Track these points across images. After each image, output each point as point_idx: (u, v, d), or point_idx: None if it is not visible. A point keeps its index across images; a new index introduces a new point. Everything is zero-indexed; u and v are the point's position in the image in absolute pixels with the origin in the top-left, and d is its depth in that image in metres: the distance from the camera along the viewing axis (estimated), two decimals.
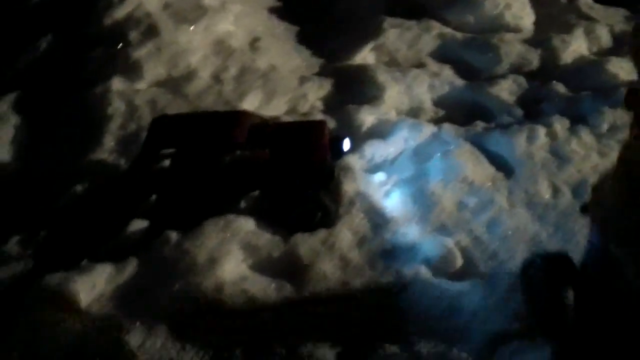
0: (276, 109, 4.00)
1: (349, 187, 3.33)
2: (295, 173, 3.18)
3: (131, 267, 2.96)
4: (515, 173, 3.55)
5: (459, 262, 3.04)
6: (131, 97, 3.82)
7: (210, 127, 3.24)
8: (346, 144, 3.35)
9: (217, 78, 4.01)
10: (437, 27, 4.84)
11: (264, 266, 2.98)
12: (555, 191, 3.45)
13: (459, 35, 4.80)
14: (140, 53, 3.99)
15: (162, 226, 3.11)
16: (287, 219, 3.14)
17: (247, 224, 3.07)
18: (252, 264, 2.99)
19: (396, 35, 4.70)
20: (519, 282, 2.74)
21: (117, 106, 3.79)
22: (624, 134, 3.82)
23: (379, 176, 3.46)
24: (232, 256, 2.97)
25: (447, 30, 4.84)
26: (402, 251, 3.06)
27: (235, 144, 3.21)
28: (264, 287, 2.87)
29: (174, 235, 3.02)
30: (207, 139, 3.24)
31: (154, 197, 3.32)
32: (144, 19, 4.12)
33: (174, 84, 3.94)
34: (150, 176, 3.25)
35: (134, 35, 4.06)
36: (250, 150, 3.24)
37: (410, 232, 3.16)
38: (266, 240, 3.03)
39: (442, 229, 3.20)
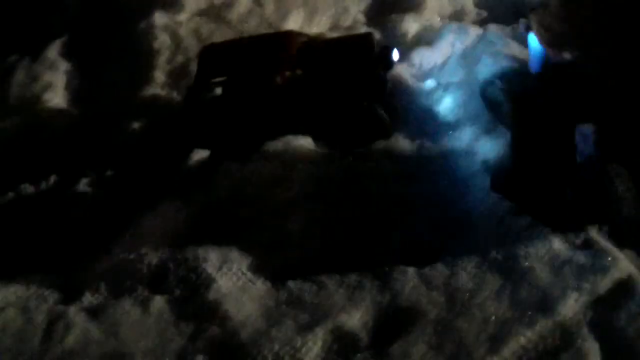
0: (319, 25, 3.99)
1: (401, 97, 3.36)
2: (346, 90, 3.20)
3: (197, 200, 3.08)
4: None
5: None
6: (175, 29, 3.87)
7: (259, 51, 3.27)
8: (395, 54, 3.34)
9: (257, 1, 4.00)
10: None
11: (325, 187, 3.04)
12: None
13: None
14: None
15: (221, 156, 3.21)
16: (343, 136, 3.19)
17: (306, 144, 3.15)
18: (313, 185, 3.05)
19: None
20: None
21: (163, 39, 3.84)
22: None
23: (430, 83, 3.47)
24: (294, 181, 3.05)
25: None
26: (460, 155, 3.12)
27: (284, 65, 3.24)
28: (327, 209, 2.95)
29: (234, 166, 3.12)
30: (256, 63, 3.28)
31: (210, 127, 3.37)
32: None
33: (215, 11, 3.96)
34: (205, 106, 3.31)
35: None
36: (299, 71, 3.26)
37: (466, 136, 3.19)
38: (326, 158, 3.11)
39: (496, 130, 3.22)
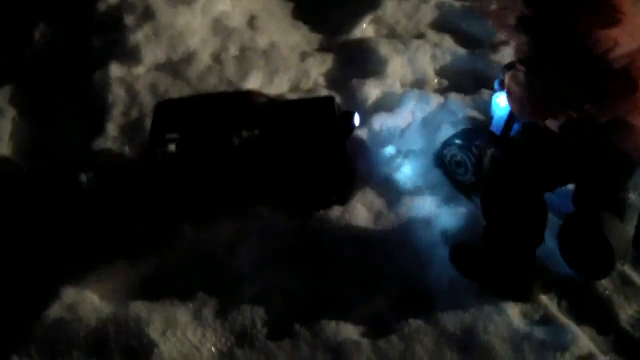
0: (279, 87, 3.94)
1: (360, 163, 3.31)
2: (306, 153, 3.13)
3: (147, 262, 2.93)
4: None
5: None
6: (131, 83, 3.76)
7: (216, 109, 3.19)
8: (356, 119, 3.30)
9: (217, 59, 3.94)
10: None
11: (283, 253, 2.94)
12: None
13: (457, 4, 4.72)
14: (137, 37, 3.90)
15: (176, 218, 3.08)
16: (301, 201, 3.11)
17: (262, 211, 3.05)
18: (270, 252, 2.95)
19: (394, 6, 4.62)
20: None
21: (118, 93, 3.72)
22: None
23: (389, 150, 3.42)
24: (250, 246, 2.94)
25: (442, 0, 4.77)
26: (419, 225, 3.05)
27: (242, 125, 3.16)
28: (283, 275, 2.84)
29: (187, 229, 2.99)
30: (213, 121, 3.19)
31: (163, 186, 3.24)
32: (139, 3, 4.03)
33: (173, 67, 3.87)
34: (158, 164, 3.19)
35: (129, 19, 3.98)
36: (258, 131, 3.18)
37: (425, 205, 3.13)
38: (283, 225, 3.01)
39: (457, 199, 3.18)
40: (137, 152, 3.50)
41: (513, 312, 2.61)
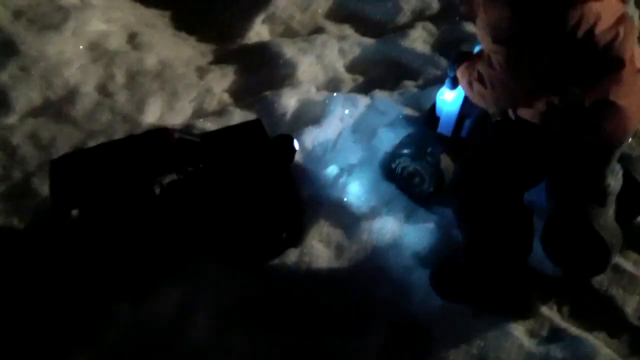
0: (182, 112, 3.42)
1: (302, 191, 2.91)
2: (245, 187, 2.69)
3: (80, 354, 2.38)
4: None
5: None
6: (5, 137, 3.07)
7: (126, 158, 2.63)
8: (296, 142, 2.90)
9: (104, 90, 3.34)
10: None
11: (244, 314, 2.50)
12: None
13: None
14: (1, 79, 3.19)
15: (107, 298, 2.53)
16: (250, 250, 2.67)
17: (208, 268, 2.57)
18: (227, 316, 2.49)
19: (286, 0, 4.21)
20: None
21: None
22: None
23: (331, 170, 3.04)
24: (201, 314, 2.47)
25: None
26: (385, 251, 2.73)
27: (163, 170, 2.65)
28: (251, 339, 2.42)
29: (124, 308, 2.46)
30: (125, 172, 2.64)
31: (79, 262, 2.65)
32: None
33: (54, 109, 3.22)
34: (69, 237, 2.61)
35: None
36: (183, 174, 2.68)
37: (386, 226, 2.81)
38: (237, 282, 2.56)
39: (417, 213, 2.89)
40: (30, 221, 2.86)
41: (519, 332, 2.39)
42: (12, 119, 3.16)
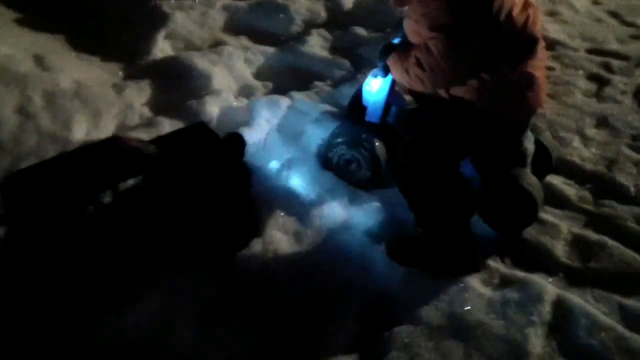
0: (106, 128, 3.38)
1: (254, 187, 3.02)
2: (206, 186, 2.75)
3: None
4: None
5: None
6: None
7: (86, 168, 2.59)
8: (245, 138, 3.00)
9: (25, 113, 3.20)
10: (216, 1, 4.56)
11: (221, 314, 2.54)
12: None
13: (242, 3, 4.59)
14: None
15: (85, 313, 2.45)
16: (217, 246, 2.73)
17: (181, 274, 2.58)
18: (208, 316, 2.52)
19: (183, 17, 4.31)
20: None
21: None
22: None
23: (272, 165, 3.18)
24: (183, 319, 2.47)
25: (227, 1, 4.59)
26: (340, 232, 2.92)
27: (120, 177, 2.64)
28: (235, 337, 2.47)
29: (106, 321, 2.40)
30: (74, 185, 2.58)
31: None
32: None
33: None
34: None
35: None
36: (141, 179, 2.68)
37: (335, 211, 3.01)
38: (209, 282, 2.60)
39: (359, 196, 3.12)
40: None
41: (475, 284, 2.67)
42: None
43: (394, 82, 2.99)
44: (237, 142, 2.92)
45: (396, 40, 2.86)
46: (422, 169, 2.59)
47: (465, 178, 2.72)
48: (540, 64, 2.53)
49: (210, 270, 2.68)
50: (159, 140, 2.84)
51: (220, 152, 2.82)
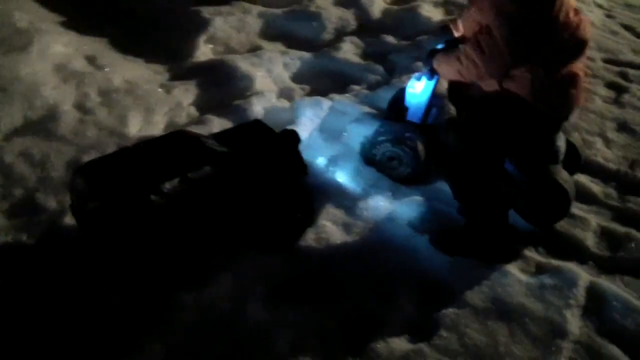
0: (158, 125, 3.58)
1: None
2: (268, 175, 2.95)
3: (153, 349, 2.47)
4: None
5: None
6: None
7: (156, 158, 2.77)
8: (299, 134, 3.20)
9: (83, 108, 3.41)
10: (252, 7, 4.78)
11: (288, 292, 2.74)
12: None
13: (277, 11, 4.82)
14: None
15: (169, 287, 2.67)
16: (277, 233, 2.93)
17: (249, 256, 2.79)
18: (277, 295, 2.72)
19: (222, 22, 4.52)
20: None
21: None
22: None
23: (321, 161, 3.40)
24: (254, 296, 2.68)
25: (262, 8, 4.81)
26: (387, 223, 3.13)
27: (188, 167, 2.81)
28: (299, 314, 2.67)
29: (188, 295, 2.60)
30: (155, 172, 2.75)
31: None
32: None
33: (38, 127, 3.24)
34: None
35: None
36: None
37: (380, 203, 3.21)
38: (276, 265, 2.80)
39: (400, 190, 3.32)
40: (38, 235, 2.88)
41: (514, 271, 2.88)
42: None
43: (436, 85, 3.22)
44: (292, 137, 3.12)
45: (439, 46, 3.08)
46: (474, 161, 2.80)
47: (507, 172, 2.94)
48: (582, 65, 2.76)
49: (276, 254, 2.88)
50: (220, 135, 3.04)
51: (278, 146, 3.02)
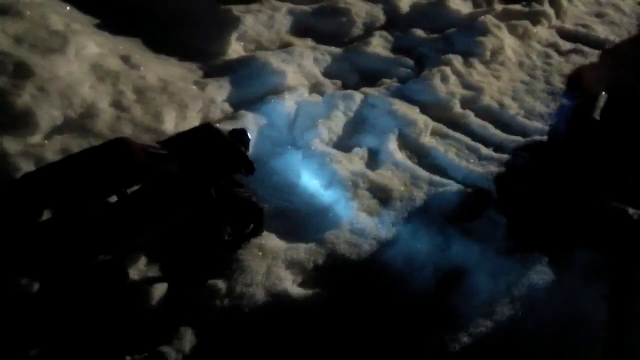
0: (192, 122, 3.62)
1: (344, 172, 3.26)
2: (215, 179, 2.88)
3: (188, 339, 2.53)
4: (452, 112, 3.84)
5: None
6: (39, 154, 3.10)
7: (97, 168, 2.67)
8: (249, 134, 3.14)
9: (120, 106, 3.46)
10: (281, 5, 4.81)
11: (319, 279, 2.80)
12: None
13: (306, 7, 4.83)
14: (23, 100, 3.22)
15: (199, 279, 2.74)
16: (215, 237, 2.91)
17: (279, 242, 2.86)
18: (306, 282, 2.79)
19: (252, 20, 4.55)
20: None
21: (28, 170, 3.04)
22: (502, 57, 4.37)
23: (357, 152, 3.42)
24: (286, 281, 2.73)
25: (292, 5, 4.83)
26: (420, 215, 3.14)
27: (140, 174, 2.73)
28: (327, 293, 2.71)
29: (219, 283, 2.66)
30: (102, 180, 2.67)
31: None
32: (7, 60, 3.31)
33: (77, 125, 3.29)
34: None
35: (4, 81, 3.24)
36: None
37: (415, 193, 3.23)
38: (305, 251, 2.87)
39: (434, 180, 3.33)
40: None
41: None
42: (38, 138, 3.19)
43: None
44: (241, 137, 3.05)
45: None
46: None
47: None
48: None
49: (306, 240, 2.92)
50: (168, 142, 2.93)
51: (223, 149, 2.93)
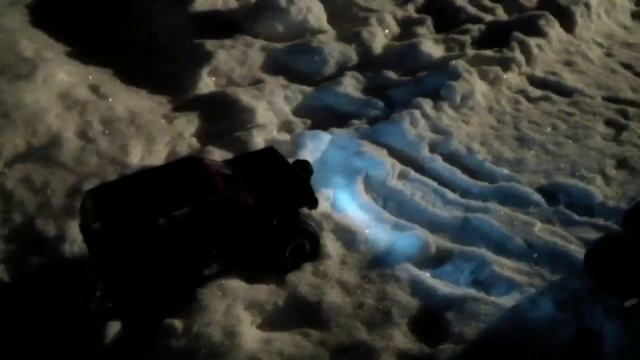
0: (159, 155, 3.61)
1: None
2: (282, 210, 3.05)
3: None
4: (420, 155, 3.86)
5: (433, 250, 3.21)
6: None
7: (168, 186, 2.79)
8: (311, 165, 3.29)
9: (85, 136, 3.46)
10: (255, 41, 4.84)
11: (278, 320, 2.75)
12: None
13: (279, 45, 4.87)
14: None
15: (157, 316, 2.70)
16: (278, 260, 2.95)
17: (240, 283, 2.81)
18: (265, 323, 2.74)
19: (225, 55, 4.59)
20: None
21: None
22: (472, 101, 4.43)
23: (322, 192, 3.43)
24: (245, 321, 2.69)
25: (265, 42, 4.87)
26: (384, 257, 3.13)
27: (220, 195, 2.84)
28: (291, 341, 2.66)
29: (176, 322, 2.59)
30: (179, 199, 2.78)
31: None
32: None
33: (40, 153, 3.27)
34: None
35: None
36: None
37: (380, 236, 3.22)
38: (265, 292, 2.82)
39: (399, 223, 3.33)
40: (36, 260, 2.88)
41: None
42: None
43: None
44: (305, 168, 3.22)
45: None
46: None
47: None
48: None
49: (262, 280, 2.89)
50: (234, 161, 3.12)
51: (290, 177, 3.10)
